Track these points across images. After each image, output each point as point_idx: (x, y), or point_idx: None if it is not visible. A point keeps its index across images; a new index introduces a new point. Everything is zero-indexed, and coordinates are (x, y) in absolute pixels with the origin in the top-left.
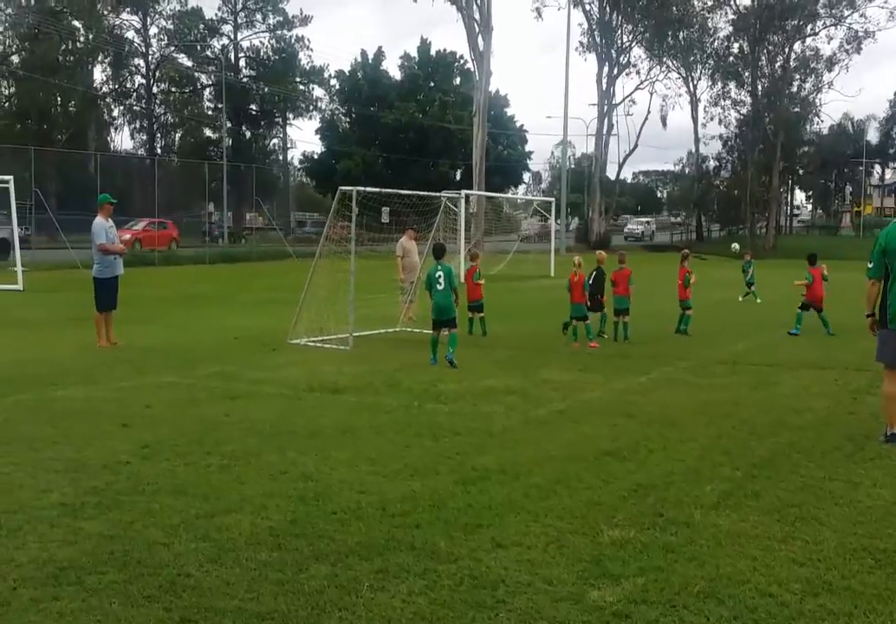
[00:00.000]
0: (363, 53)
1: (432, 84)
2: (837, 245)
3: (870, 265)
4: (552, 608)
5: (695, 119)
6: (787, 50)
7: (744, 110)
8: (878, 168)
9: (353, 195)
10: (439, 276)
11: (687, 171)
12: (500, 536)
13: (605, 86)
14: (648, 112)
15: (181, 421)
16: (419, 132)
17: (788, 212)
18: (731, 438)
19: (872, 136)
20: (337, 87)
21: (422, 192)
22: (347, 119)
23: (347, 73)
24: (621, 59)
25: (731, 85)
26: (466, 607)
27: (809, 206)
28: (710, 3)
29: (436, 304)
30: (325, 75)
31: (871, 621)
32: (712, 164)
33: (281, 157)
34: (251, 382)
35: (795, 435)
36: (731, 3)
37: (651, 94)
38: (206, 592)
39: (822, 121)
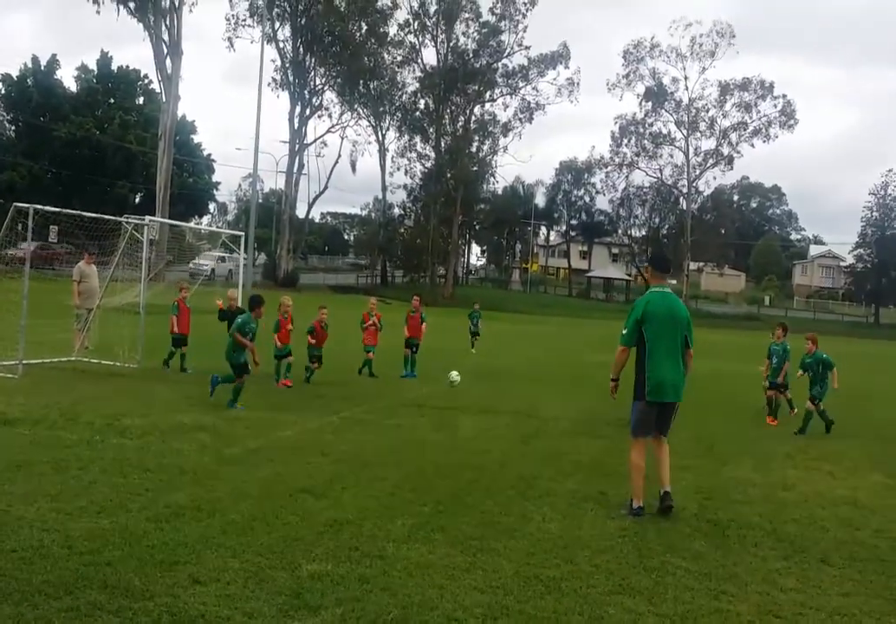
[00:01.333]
0: (35, 59)
1: (112, 100)
2: (507, 298)
3: (624, 331)
4: None
5: (382, 167)
6: (468, 112)
7: (428, 164)
8: (544, 230)
9: (29, 213)
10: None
11: (373, 216)
12: (197, 573)
13: (297, 125)
14: (339, 155)
15: None
16: (96, 150)
17: (466, 263)
18: (418, 476)
19: (540, 200)
20: (3, 91)
21: (107, 216)
22: (13, 127)
23: (15, 78)
24: (314, 100)
25: (417, 138)
26: None
27: (483, 260)
28: (399, 59)
29: None
30: None
31: None
32: (397, 211)
33: None
34: None
35: (475, 474)
36: (419, 61)
37: (342, 138)
38: None
39: (497, 181)
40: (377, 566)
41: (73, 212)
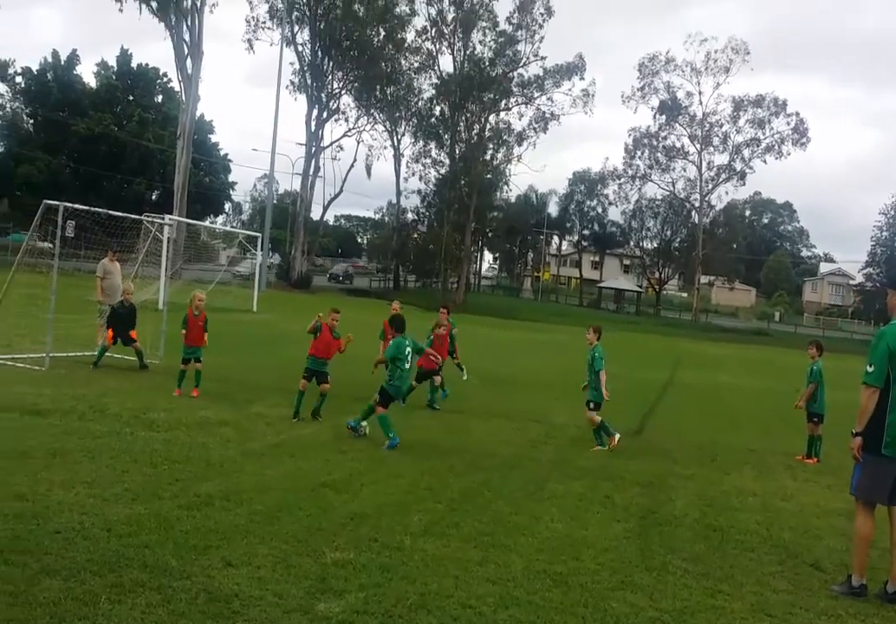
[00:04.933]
0: (55, 54)
1: (131, 98)
2: (518, 306)
3: (870, 369)
4: (284, 618)
5: (397, 172)
6: (483, 120)
7: (443, 170)
8: (556, 239)
9: (59, 210)
10: (408, 354)
11: (387, 220)
12: (229, 556)
13: (313, 127)
14: (355, 159)
15: None
16: (114, 146)
17: (478, 270)
18: (433, 475)
19: (553, 209)
20: (22, 85)
21: (132, 215)
22: (31, 121)
23: (35, 72)
24: (331, 104)
25: (432, 145)
26: (204, 618)
27: (496, 268)
28: (416, 65)
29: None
30: (10, 71)
31: None
32: (411, 216)
33: None
34: None
35: (487, 475)
36: (436, 68)
37: (358, 142)
38: None
39: (511, 190)
40: (396, 557)
41: (101, 210)
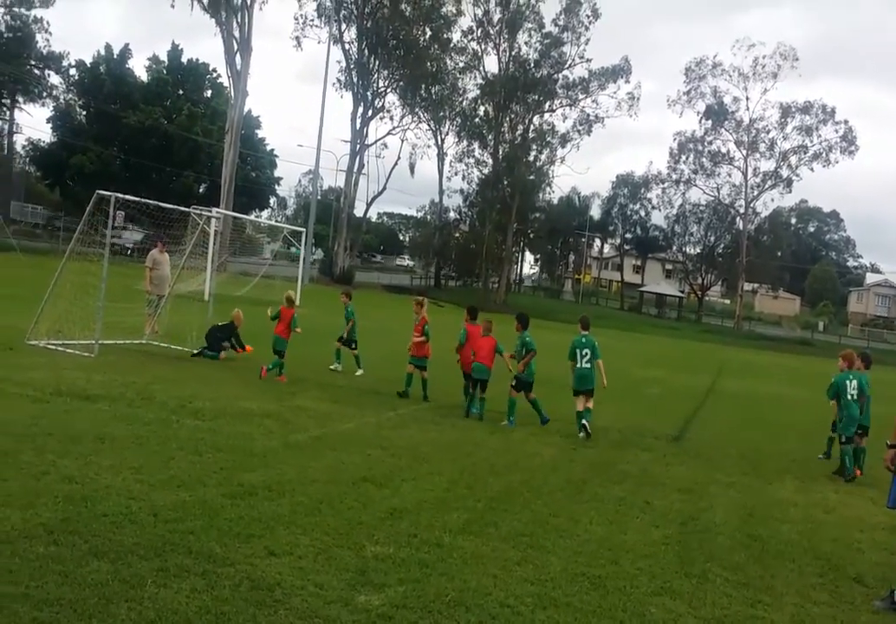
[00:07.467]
0: (108, 47)
1: (181, 92)
2: (558, 308)
3: None
4: (325, 609)
5: (440, 171)
6: (527, 121)
7: (485, 170)
8: (598, 242)
9: (111, 201)
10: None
11: (429, 219)
12: (272, 546)
13: (358, 125)
14: (399, 157)
15: None
16: (164, 139)
17: (519, 271)
18: (472, 474)
19: (595, 212)
20: (76, 77)
21: (181, 208)
22: (84, 113)
23: (89, 65)
24: (376, 102)
25: (476, 144)
26: (247, 605)
27: (537, 269)
28: (461, 65)
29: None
30: (64, 63)
31: None
32: (453, 216)
33: (5, 142)
34: None
35: (527, 475)
36: (481, 68)
37: (402, 140)
38: None
39: (553, 191)
40: (435, 553)
41: (150, 201)
